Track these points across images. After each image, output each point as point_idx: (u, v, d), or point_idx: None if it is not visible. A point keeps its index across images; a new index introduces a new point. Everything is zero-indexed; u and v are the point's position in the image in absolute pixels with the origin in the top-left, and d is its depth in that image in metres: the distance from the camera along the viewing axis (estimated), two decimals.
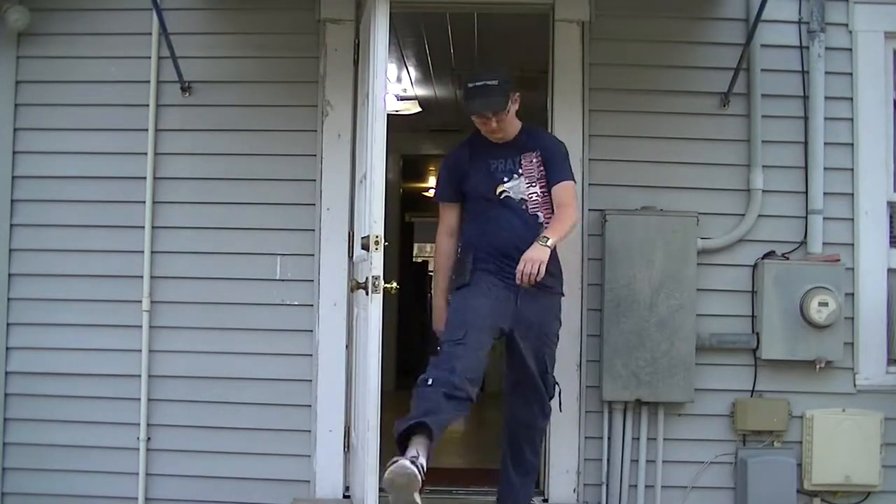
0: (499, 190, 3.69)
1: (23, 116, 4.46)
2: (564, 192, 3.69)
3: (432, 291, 3.83)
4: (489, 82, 3.61)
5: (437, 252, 3.94)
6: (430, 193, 10.69)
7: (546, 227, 3.61)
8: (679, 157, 4.39)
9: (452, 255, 3.84)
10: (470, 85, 3.64)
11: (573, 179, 3.74)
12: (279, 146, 4.42)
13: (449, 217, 3.88)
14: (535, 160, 3.71)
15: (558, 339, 3.81)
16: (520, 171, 3.70)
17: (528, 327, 3.65)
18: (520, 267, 3.44)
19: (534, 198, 3.69)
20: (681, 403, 4.29)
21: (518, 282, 3.48)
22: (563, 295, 3.82)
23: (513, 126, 3.76)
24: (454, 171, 3.83)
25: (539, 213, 3.68)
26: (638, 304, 4.22)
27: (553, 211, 3.67)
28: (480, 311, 3.52)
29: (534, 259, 3.43)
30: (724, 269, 4.36)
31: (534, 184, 3.69)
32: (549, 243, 3.49)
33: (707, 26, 4.44)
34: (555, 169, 3.71)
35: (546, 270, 3.47)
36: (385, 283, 3.50)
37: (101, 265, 4.40)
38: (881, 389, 4.32)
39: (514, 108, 3.70)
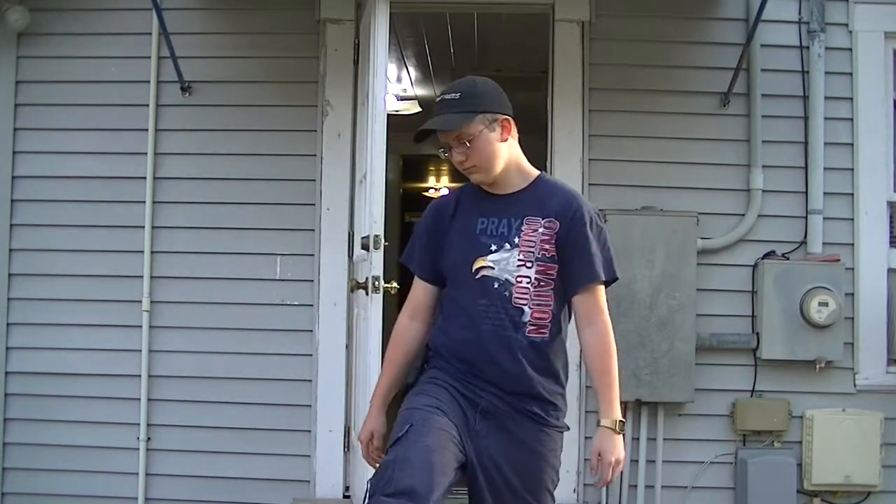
0: (477, 265, 2.47)
1: (23, 116, 4.46)
2: (595, 300, 2.49)
3: (372, 394, 2.67)
4: (448, 95, 2.51)
5: (392, 336, 2.65)
6: (431, 194, 10.75)
7: (600, 392, 2.49)
8: (679, 157, 4.39)
9: (411, 345, 2.62)
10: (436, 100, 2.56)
11: (612, 274, 2.52)
12: (279, 146, 4.42)
13: (417, 292, 2.64)
14: (542, 230, 2.46)
15: (553, 497, 2.59)
16: (515, 240, 2.46)
17: (496, 469, 2.47)
18: (603, 476, 2.45)
19: (523, 284, 2.45)
20: (681, 403, 4.29)
21: (597, 484, 2.53)
22: (563, 429, 2.56)
23: (502, 165, 2.52)
24: (431, 230, 2.61)
25: (525, 308, 2.45)
26: (638, 304, 4.22)
27: (549, 309, 2.47)
28: (430, 402, 2.46)
29: (617, 461, 2.44)
30: (724, 269, 4.36)
31: (530, 264, 2.45)
32: (621, 426, 2.47)
33: (707, 26, 4.44)
34: (584, 257, 2.47)
35: (533, 392, 2.47)
36: (385, 283, 3.51)
37: (101, 265, 4.39)
38: (881, 389, 4.32)
39: (491, 134, 2.49)
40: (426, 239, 2.62)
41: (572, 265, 2.47)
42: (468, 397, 2.47)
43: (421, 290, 2.64)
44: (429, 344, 2.60)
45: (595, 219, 2.50)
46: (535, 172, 2.60)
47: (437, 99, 2.54)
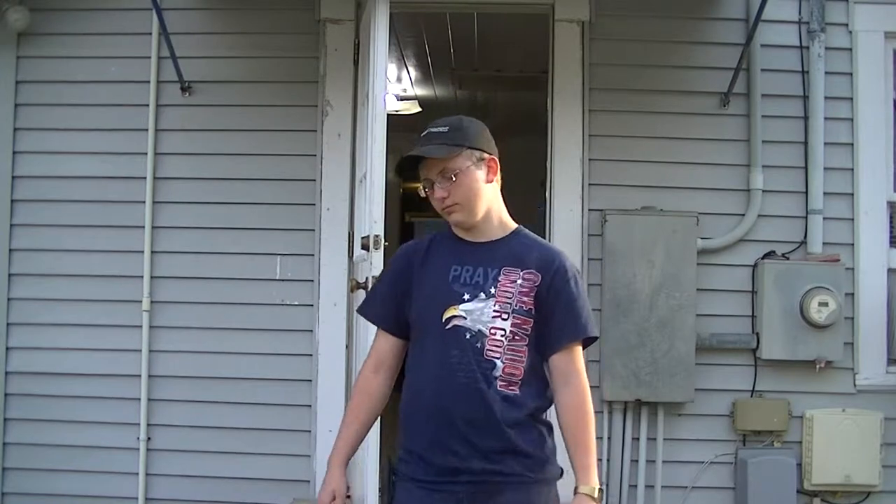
0: (448, 314, 2.32)
1: (23, 116, 4.46)
2: (574, 359, 2.35)
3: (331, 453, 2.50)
4: (435, 129, 2.39)
5: (354, 391, 2.50)
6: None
7: (576, 457, 2.32)
8: (679, 157, 4.39)
9: (375, 401, 2.46)
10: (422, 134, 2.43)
11: (594, 331, 2.38)
12: (279, 146, 4.42)
13: (380, 344, 2.47)
14: (521, 281, 2.33)
15: None
16: (491, 290, 2.32)
17: None
18: None
19: (497, 336, 2.30)
20: (681, 403, 4.29)
21: None
22: (553, 478, 2.39)
23: (484, 208, 2.39)
24: (398, 279, 2.44)
25: (498, 362, 2.29)
26: (638, 304, 4.22)
27: (521, 365, 2.31)
28: None
29: None
30: (724, 269, 4.36)
31: (506, 315, 2.31)
32: (600, 494, 2.30)
33: (707, 26, 4.44)
34: (568, 312, 2.35)
35: (510, 447, 2.29)
36: None
37: (101, 265, 4.40)
38: (881, 389, 4.32)
39: (478, 172, 2.37)
40: (390, 287, 2.44)
41: (553, 321, 2.33)
42: (445, 498, 2.29)
43: (384, 342, 2.46)
44: (400, 431, 2.42)
45: (577, 275, 2.38)
46: (514, 225, 2.45)
47: (423, 132, 2.40)
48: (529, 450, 2.32)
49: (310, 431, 4.32)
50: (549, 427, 2.38)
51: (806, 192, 4.36)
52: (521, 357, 2.32)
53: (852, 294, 4.32)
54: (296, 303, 4.38)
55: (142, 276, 4.36)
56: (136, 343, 4.35)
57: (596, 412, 4.40)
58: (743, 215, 4.36)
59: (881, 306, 4.35)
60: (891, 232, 4.42)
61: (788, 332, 4.25)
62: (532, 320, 2.32)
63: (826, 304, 4.18)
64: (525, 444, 2.32)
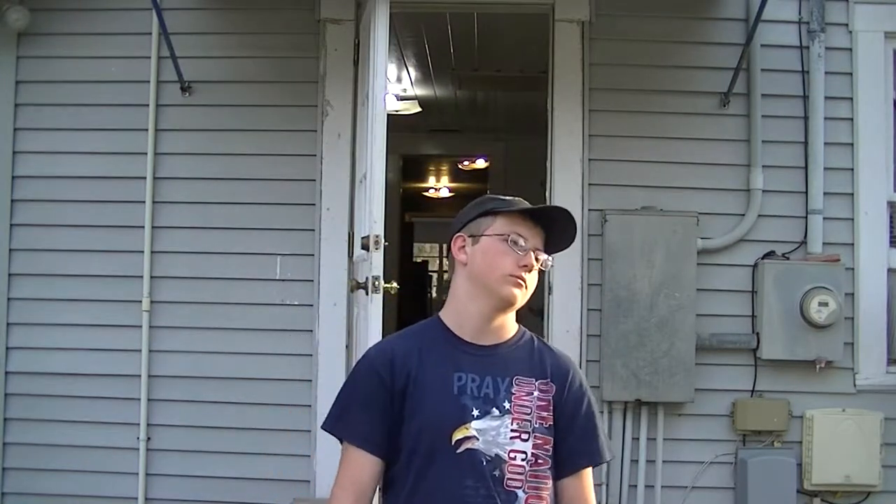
0: (458, 435, 1.97)
1: (23, 116, 4.46)
2: (588, 487, 2.10)
3: None
4: (567, 212, 2.14)
5: None
6: (431, 194, 10.74)
7: None
8: (679, 157, 4.39)
9: None
10: (533, 207, 2.13)
11: (608, 455, 2.13)
12: (279, 146, 4.42)
13: (363, 471, 2.05)
14: (538, 394, 2.03)
15: None
16: (505, 405, 1.99)
17: None
18: None
19: (517, 461, 1.97)
20: (681, 403, 4.29)
21: None
22: None
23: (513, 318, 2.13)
24: (386, 390, 2.05)
25: (520, 493, 1.97)
26: (638, 304, 4.22)
27: (546, 493, 2.02)
28: None
29: None
30: (724, 269, 4.36)
31: (526, 435, 1.99)
32: None
33: (707, 26, 4.44)
34: (588, 432, 2.09)
35: None
36: (385, 283, 3.50)
37: (101, 265, 4.40)
38: (881, 389, 4.31)
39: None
40: (375, 400, 2.05)
41: (569, 440, 2.03)
42: None
43: (368, 468, 2.04)
44: None
45: (589, 387, 2.13)
46: (517, 325, 2.15)
47: (553, 206, 2.17)
48: None
49: (310, 431, 4.32)
50: None
51: (806, 192, 4.36)
52: (546, 483, 2.00)
53: (852, 294, 4.32)
54: (296, 303, 4.38)
55: (142, 276, 4.36)
56: (136, 343, 4.34)
57: None
58: (743, 215, 4.36)
59: (881, 306, 4.35)
60: (891, 232, 4.42)
61: (788, 332, 4.25)
62: (552, 439, 2.01)
63: (826, 304, 4.18)
64: None
